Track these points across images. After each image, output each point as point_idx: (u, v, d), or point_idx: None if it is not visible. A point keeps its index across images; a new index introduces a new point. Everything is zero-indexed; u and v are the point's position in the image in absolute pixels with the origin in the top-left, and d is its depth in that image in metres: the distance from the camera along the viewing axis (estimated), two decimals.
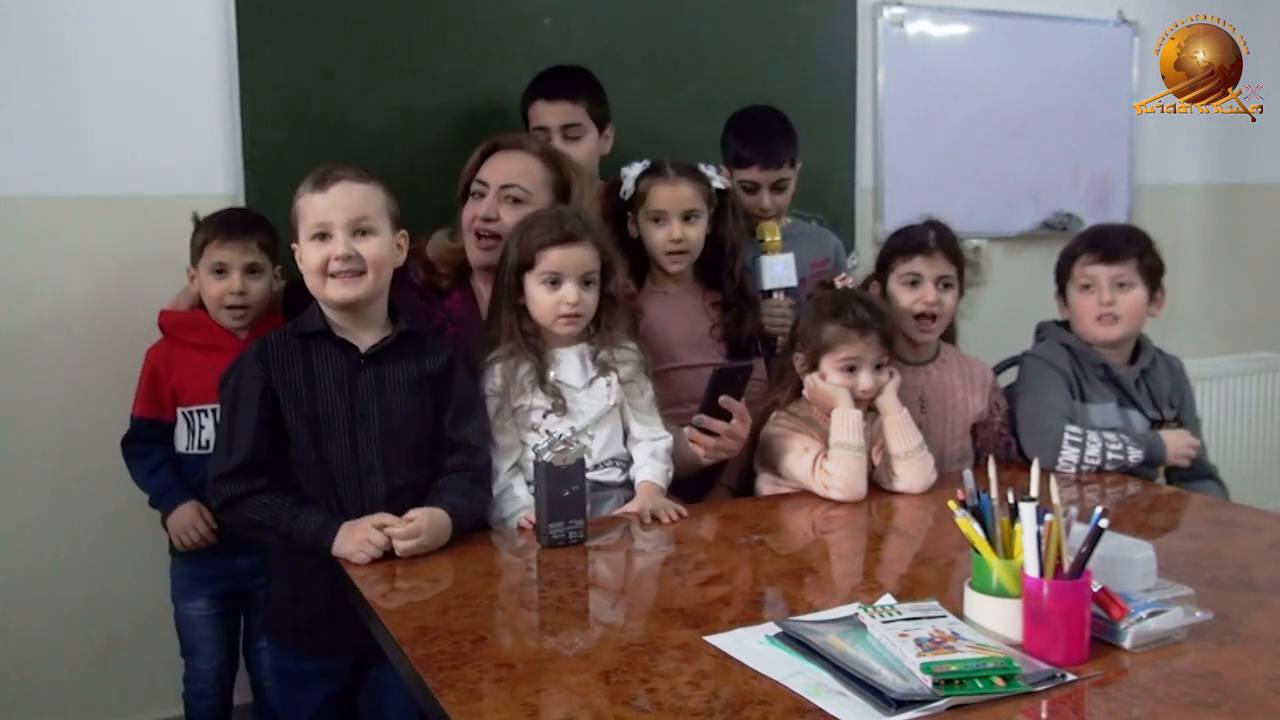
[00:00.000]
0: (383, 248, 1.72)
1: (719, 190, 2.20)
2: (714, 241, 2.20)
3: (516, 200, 2.06)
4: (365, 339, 1.74)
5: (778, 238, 2.38)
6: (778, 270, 2.36)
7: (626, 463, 1.93)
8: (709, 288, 2.24)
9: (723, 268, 2.22)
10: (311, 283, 1.72)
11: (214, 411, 2.08)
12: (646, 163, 2.20)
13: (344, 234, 1.69)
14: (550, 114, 2.40)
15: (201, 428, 2.14)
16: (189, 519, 2.09)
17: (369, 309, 1.74)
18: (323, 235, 1.69)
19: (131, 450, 2.17)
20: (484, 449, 1.80)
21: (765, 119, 2.52)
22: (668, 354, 2.10)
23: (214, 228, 2.13)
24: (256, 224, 2.16)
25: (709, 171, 2.20)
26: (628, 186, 2.18)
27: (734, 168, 2.47)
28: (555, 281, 1.85)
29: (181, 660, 2.23)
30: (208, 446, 2.07)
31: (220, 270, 2.11)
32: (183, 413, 2.15)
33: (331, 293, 1.70)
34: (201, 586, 2.17)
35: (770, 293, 2.36)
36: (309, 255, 1.70)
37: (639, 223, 2.17)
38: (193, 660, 2.21)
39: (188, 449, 2.14)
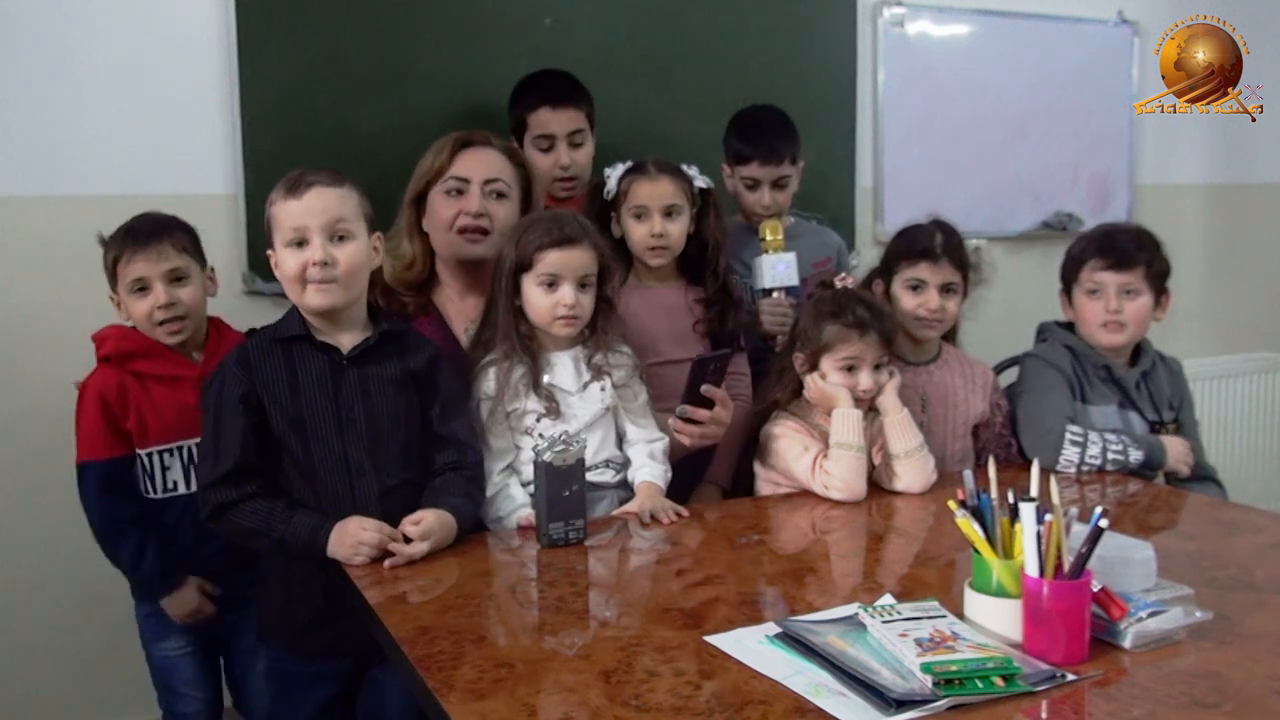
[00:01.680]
0: (359, 253, 1.71)
1: (702, 190, 2.21)
2: (697, 241, 2.21)
3: (501, 195, 2.05)
4: (346, 341, 1.74)
5: (779, 236, 2.38)
6: (779, 269, 2.36)
7: (620, 465, 1.93)
8: (692, 285, 2.24)
9: (705, 266, 2.22)
10: (290, 290, 1.71)
11: (180, 450, 1.95)
12: (629, 163, 2.20)
13: (320, 239, 1.67)
14: (558, 121, 2.39)
15: (166, 469, 1.95)
16: (194, 602, 1.96)
17: (348, 312, 1.74)
18: (299, 242, 1.68)
19: (109, 513, 1.93)
20: (474, 445, 1.79)
21: (766, 117, 2.52)
22: (652, 349, 2.09)
23: (119, 241, 1.94)
24: (167, 226, 1.98)
25: (691, 171, 2.21)
26: (611, 186, 2.18)
27: (735, 165, 2.48)
28: (553, 283, 1.85)
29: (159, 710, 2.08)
30: (175, 489, 1.95)
31: (141, 287, 1.93)
32: (142, 455, 1.93)
33: (310, 300, 1.69)
34: (170, 623, 1.99)
35: (770, 291, 2.36)
36: (286, 262, 1.69)
37: (621, 220, 2.17)
38: (177, 705, 2.03)
39: (149, 493, 1.95)
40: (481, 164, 2.05)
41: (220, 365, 1.75)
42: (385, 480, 1.71)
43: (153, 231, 1.96)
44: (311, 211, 1.68)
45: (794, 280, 2.37)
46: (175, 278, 1.95)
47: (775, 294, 2.36)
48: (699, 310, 2.20)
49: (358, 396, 1.72)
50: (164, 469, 1.95)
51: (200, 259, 2.01)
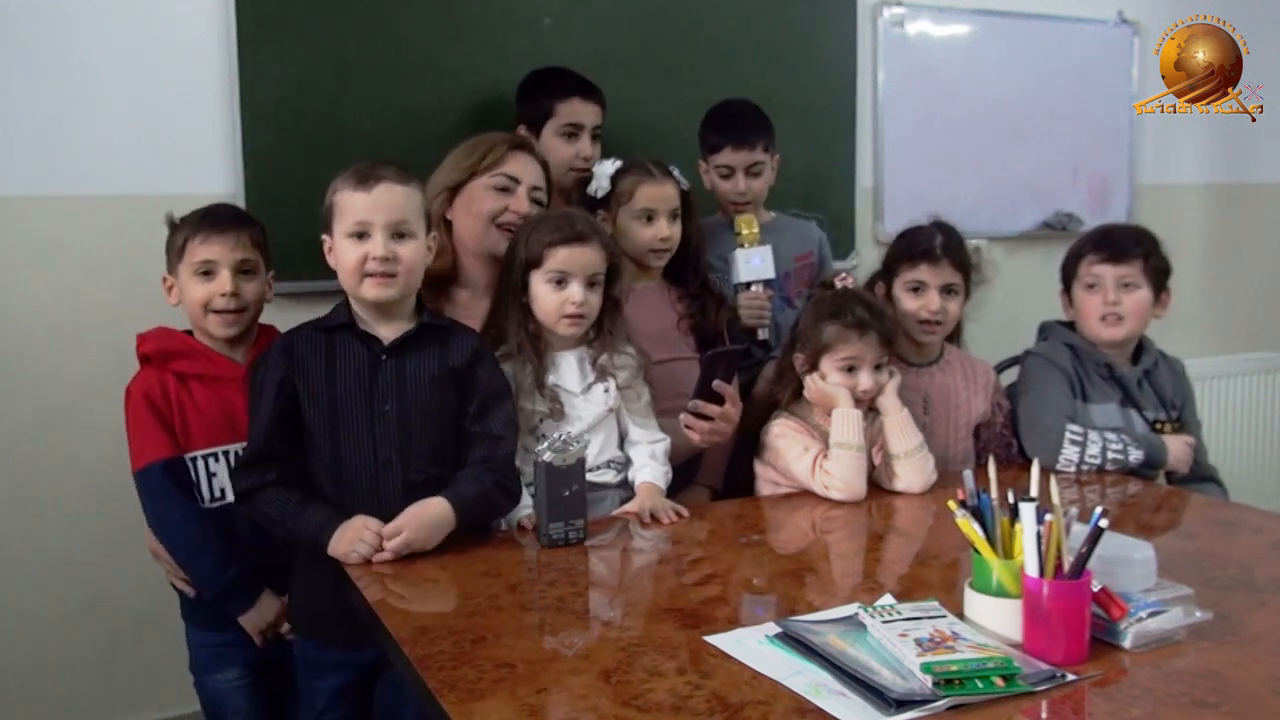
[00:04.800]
0: (418, 251, 1.73)
1: (683, 190, 2.22)
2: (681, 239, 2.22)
3: (538, 204, 2.07)
4: (389, 332, 1.74)
5: (755, 230, 2.38)
6: (754, 263, 2.36)
7: (622, 465, 1.93)
8: (674, 283, 2.25)
9: (687, 264, 2.24)
10: (346, 281, 1.72)
11: (226, 454, 1.87)
12: (616, 161, 2.20)
13: (383, 235, 1.68)
14: (588, 112, 2.41)
15: (213, 475, 1.87)
16: (274, 611, 1.87)
17: (399, 305, 1.75)
18: (361, 234, 1.69)
19: (183, 520, 1.82)
20: (508, 437, 1.77)
21: (737, 106, 2.55)
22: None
23: (196, 223, 1.89)
24: (246, 218, 1.96)
25: (674, 170, 2.22)
26: (603, 184, 2.18)
27: (709, 155, 2.51)
28: (561, 281, 1.85)
29: None
30: (223, 496, 1.86)
31: (207, 271, 1.87)
32: (189, 459, 1.86)
33: (367, 292, 1.70)
34: (231, 654, 1.91)
35: (748, 285, 2.36)
36: (345, 252, 1.70)
37: (619, 220, 2.16)
38: None
39: (204, 501, 1.86)
40: (530, 169, 2.08)
41: (266, 350, 1.77)
42: (411, 476, 1.71)
43: (232, 218, 1.93)
44: (378, 206, 1.69)
45: (770, 274, 2.37)
46: (243, 269, 1.90)
47: (753, 288, 2.37)
48: (681, 308, 2.22)
49: (392, 390, 1.72)
50: (210, 475, 1.87)
51: (267, 259, 1.96)
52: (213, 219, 1.91)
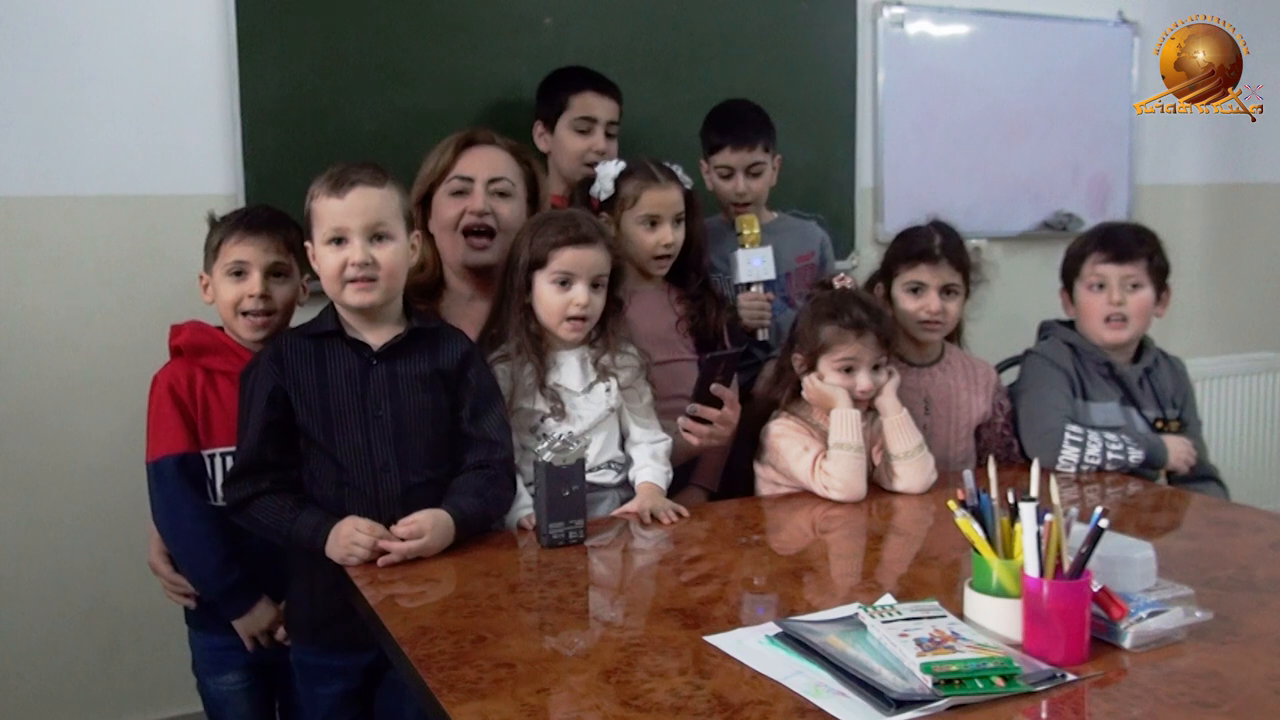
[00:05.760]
0: (399, 253, 1.72)
1: (687, 190, 2.22)
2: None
3: (504, 195, 2.05)
4: (377, 338, 1.74)
5: (756, 230, 2.38)
6: (755, 264, 2.36)
7: (623, 465, 1.93)
8: (674, 284, 2.25)
9: (689, 265, 2.23)
10: (329, 288, 1.72)
11: None
12: (619, 162, 2.19)
13: (361, 240, 1.68)
14: (602, 107, 2.42)
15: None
16: (269, 617, 1.87)
17: (384, 309, 1.74)
18: (339, 240, 1.69)
19: (193, 515, 1.81)
20: (504, 442, 1.77)
21: (737, 106, 2.55)
22: None
23: (233, 224, 1.91)
24: (281, 221, 1.94)
25: (677, 169, 2.22)
26: (607, 186, 2.16)
27: (710, 156, 2.51)
28: (566, 282, 1.84)
29: None
30: None
31: (239, 271, 1.89)
32: (205, 456, 1.86)
33: (349, 298, 1.70)
34: (232, 657, 1.91)
35: (748, 286, 2.36)
36: (325, 260, 1.70)
37: (622, 224, 2.15)
38: None
39: (213, 499, 1.85)
40: (485, 163, 2.06)
41: (256, 357, 1.76)
42: (410, 478, 1.71)
43: (267, 220, 1.93)
44: (353, 211, 1.68)
45: (771, 274, 2.37)
46: (276, 272, 1.91)
47: (753, 288, 2.37)
48: (681, 309, 2.21)
49: (385, 394, 1.72)
50: (225, 472, 1.81)
51: (302, 263, 1.91)
52: (248, 220, 1.93)
